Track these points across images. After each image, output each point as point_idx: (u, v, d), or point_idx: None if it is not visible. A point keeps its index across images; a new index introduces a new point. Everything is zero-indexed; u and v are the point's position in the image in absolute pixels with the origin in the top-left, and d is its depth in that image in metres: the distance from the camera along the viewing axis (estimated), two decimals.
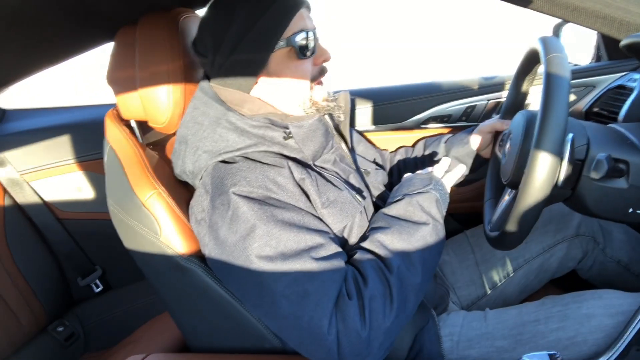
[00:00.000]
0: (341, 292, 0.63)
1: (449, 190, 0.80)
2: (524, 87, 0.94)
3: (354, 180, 0.80)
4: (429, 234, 0.70)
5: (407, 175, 0.84)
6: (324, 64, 0.79)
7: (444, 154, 1.02)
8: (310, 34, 0.73)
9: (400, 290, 0.65)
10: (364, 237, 0.73)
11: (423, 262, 0.68)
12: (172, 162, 0.79)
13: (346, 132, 0.87)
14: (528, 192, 0.62)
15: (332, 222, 0.70)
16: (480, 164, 1.01)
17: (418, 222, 0.71)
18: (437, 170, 0.82)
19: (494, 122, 0.96)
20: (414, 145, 1.13)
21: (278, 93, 0.75)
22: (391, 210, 0.74)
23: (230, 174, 0.67)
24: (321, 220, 0.69)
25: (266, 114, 0.73)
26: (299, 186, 0.69)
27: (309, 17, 0.75)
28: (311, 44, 0.73)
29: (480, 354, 0.75)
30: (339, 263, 0.65)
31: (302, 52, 0.72)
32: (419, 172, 0.83)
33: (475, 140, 0.97)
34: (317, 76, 0.77)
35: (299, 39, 0.72)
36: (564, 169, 0.65)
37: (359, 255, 0.69)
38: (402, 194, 0.77)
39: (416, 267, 0.67)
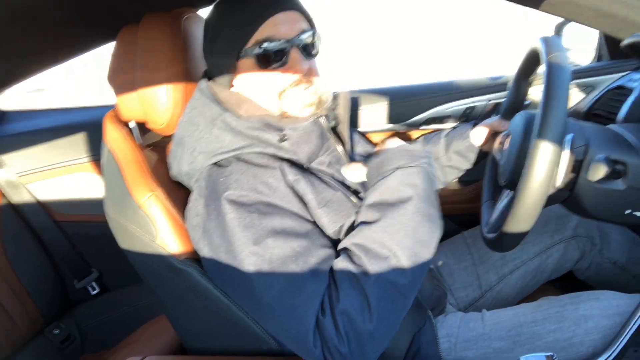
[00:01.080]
0: (320, 306, 0.62)
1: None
2: (524, 88, 0.93)
3: (350, 181, 0.79)
4: (415, 210, 0.62)
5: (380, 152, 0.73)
6: (301, 75, 0.71)
7: (444, 148, 1.01)
8: (277, 43, 0.68)
9: (382, 296, 0.60)
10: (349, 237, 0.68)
11: (412, 255, 0.61)
12: (168, 163, 0.79)
13: (344, 133, 0.87)
14: (526, 193, 0.62)
15: (327, 222, 0.69)
16: (480, 158, 0.99)
17: (399, 200, 0.64)
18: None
19: (493, 121, 0.95)
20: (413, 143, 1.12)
21: (248, 99, 0.74)
22: (370, 201, 0.68)
23: (223, 177, 0.67)
24: (314, 223, 0.69)
25: (262, 115, 0.73)
26: (292, 188, 0.69)
27: (291, 22, 0.70)
28: (276, 54, 0.69)
29: (477, 355, 0.75)
30: (325, 274, 0.64)
31: (262, 63, 0.70)
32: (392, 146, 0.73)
33: (475, 135, 0.96)
34: (287, 88, 0.72)
35: (261, 49, 0.68)
36: (563, 169, 0.65)
37: (335, 264, 0.66)
38: (376, 174, 0.69)
39: (404, 267, 0.61)
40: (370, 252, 0.62)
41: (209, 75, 0.78)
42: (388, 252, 0.62)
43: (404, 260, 0.61)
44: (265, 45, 0.69)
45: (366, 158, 0.81)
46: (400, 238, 0.62)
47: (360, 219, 0.68)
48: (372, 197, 0.68)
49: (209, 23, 0.75)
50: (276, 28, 0.69)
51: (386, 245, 0.62)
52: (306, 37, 0.72)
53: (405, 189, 0.64)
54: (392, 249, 0.62)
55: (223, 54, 0.72)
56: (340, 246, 0.68)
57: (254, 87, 0.74)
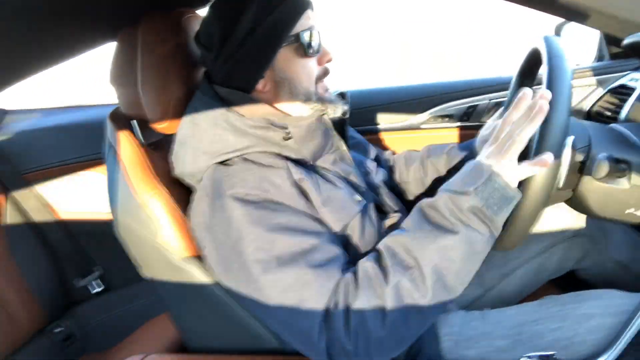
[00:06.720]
0: (332, 300, 0.61)
1: (512, 183, 0.61)
2: (528, 83, 0.93)
3: (354, 179, 0.80)
4: (455, 244, 0.60)
5: (472, 161, 0.66)
6: (327, 65, 0.79)
7: (446, 165, 0.99)
8: (317, 32, 0.74)
9: (398, 308, 0.59)
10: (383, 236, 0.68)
11: (437, 279, 0.59)
12: (170, 163, 0.79)
13: (346, 131, 0.87)
14: (528, 196, 0.62)
15: (331, 220, 0.69)
16: None
17: (444, 227, 0.61)
18: (502, 162, 0.61)
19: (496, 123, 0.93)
20: (418, 150, 1.12)
21: (283, 90, 0.75)
22: (424, 205, 0.65)
23: (227, 176, 0.67)
24: (320, 221, 0.69)
25: (265, 114, 0.73)
26: (298, 186, 0.69)
27: (313, 18, 0.76)
28: (317, 43, 0.75)
29: (479, 354, 0.75)
30: (334, 270, 0.63)
31: (309, 49, 0.73)
32: (481, 157, 0.65)
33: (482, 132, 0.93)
34: (321, 77, 0.78)
35: (307, 36, 0.73)
36: (564, 172, 0.65)
37: (363, 260, 0.65)
38: (444, 188, 0.65)
39: (425, 283, 0.59)
40: (397, 257, 0.62)
41: (211, 77, 0.77)
42: (413, 263, 0.60)
43: (428, 279, 0.59)
44: (310, 32, 0.73)
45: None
46: (429, 253, 0.60)
47: (404, 223, 0.67)
48: (426, 205, 0.65)
49: (241, 12, 0.70)
50: (310, 20, 0.74)
51: (415, 255, 0.60)
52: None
53: (452, 220, 0.61)
54: (418, 261, 0.60)
55: (265, 41, 0.71)
56: (377, 245, 0.67)
57: (294, 76, 0.75)
